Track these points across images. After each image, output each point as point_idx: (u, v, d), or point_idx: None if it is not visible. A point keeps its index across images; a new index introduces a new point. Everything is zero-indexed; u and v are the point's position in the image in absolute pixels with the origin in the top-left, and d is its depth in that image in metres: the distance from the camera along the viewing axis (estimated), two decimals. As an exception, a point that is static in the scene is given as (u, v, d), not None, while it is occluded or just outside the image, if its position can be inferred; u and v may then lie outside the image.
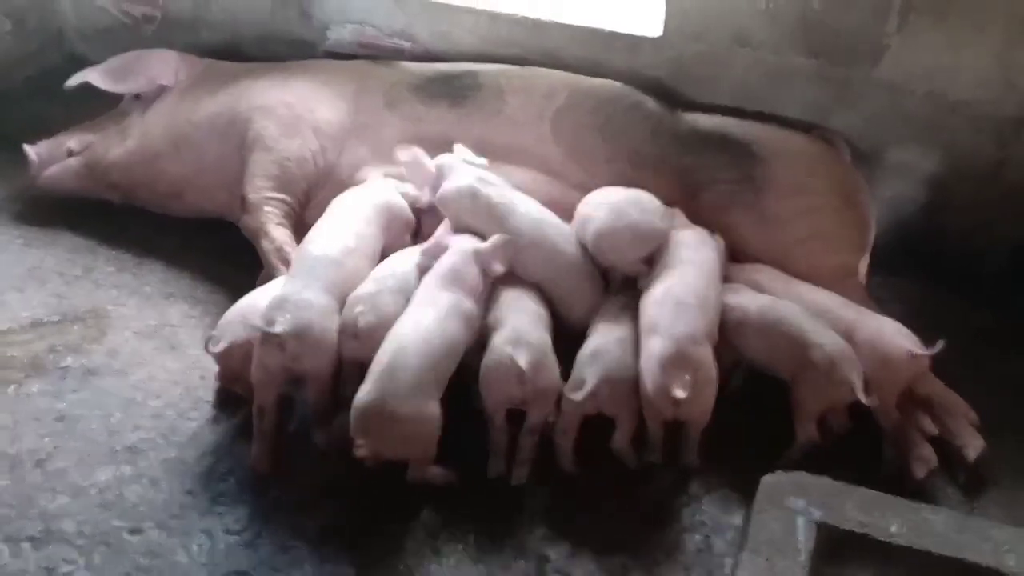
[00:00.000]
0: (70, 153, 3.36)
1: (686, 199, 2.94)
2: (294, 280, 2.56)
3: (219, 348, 2.53)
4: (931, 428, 2.59)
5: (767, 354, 2.60)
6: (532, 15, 3.29)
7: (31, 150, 3.34)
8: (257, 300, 2.62)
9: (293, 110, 3.17)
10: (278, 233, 2.98)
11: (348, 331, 2.49)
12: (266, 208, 3.02)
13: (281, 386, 2.48)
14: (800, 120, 3.11)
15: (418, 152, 2.90)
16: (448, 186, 2.78)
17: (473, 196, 2.74)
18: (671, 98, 3.17)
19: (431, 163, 2.88)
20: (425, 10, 3.40)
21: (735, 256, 2.88)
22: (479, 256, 2.63)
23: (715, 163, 2.97)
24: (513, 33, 3.32)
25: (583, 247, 2.75)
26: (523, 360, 2.37)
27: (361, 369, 2.44)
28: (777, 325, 2.57)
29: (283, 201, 3.05)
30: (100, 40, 3.89)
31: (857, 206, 2.98)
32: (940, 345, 2.48)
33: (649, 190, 2.86)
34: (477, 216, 2.74)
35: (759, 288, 2.75)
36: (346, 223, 2.75)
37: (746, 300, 2.66)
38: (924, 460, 2.52)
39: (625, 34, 3.22)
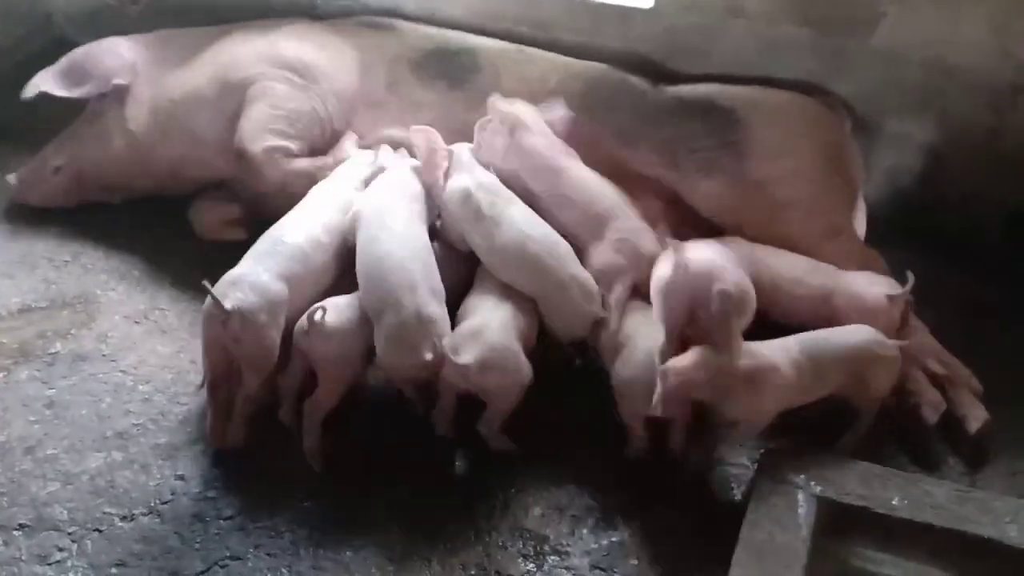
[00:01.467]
0: (57, 170, 3.26)
1: (669, 169, 2.91)
2: (254, 260, 2.49)
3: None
4: (938, 368, 2.59)
5: (846, 385, 2.41)
6: (522, -14, 3.24)
7: (13, 177, 3.27)
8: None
9: (305, 73, 3.13)
10: (304, 163, 3.00)
11: (301, 327, 2.40)
12: (276, 156, 3.01)
13: (229, 362, 2.42)
14: (802, 81, 3.03)
15: (432, 136, 2.80)
16: (449, 184, 2.72)
17: (465, 199, 2.66)
18: (663, 71, 3.12)
19: (444, 150, 2.80)
20: (415, -17, 3.35)
21: (721, 229, 2.81)
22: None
23: (698, 131, 2.91)
24: (504, 6, 3.27)
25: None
26: (468, 356, 2.32)
27: (308, 370, 2.44)
28: (836, 355, 2.37)
29: (288, 149, 3.03)
30: (89, 23, 3.81)
31: (842, 163, 2.93)
32: (911, 281, 2.48)
33: (634, 166, 2.87)
34: (465, 220, 2.66)
35: None
36: (320, 214, 2.66)
37: (784, 365, 2.34)
38: (933, 405, 2.52)
39: (616, 5, 3.17)
